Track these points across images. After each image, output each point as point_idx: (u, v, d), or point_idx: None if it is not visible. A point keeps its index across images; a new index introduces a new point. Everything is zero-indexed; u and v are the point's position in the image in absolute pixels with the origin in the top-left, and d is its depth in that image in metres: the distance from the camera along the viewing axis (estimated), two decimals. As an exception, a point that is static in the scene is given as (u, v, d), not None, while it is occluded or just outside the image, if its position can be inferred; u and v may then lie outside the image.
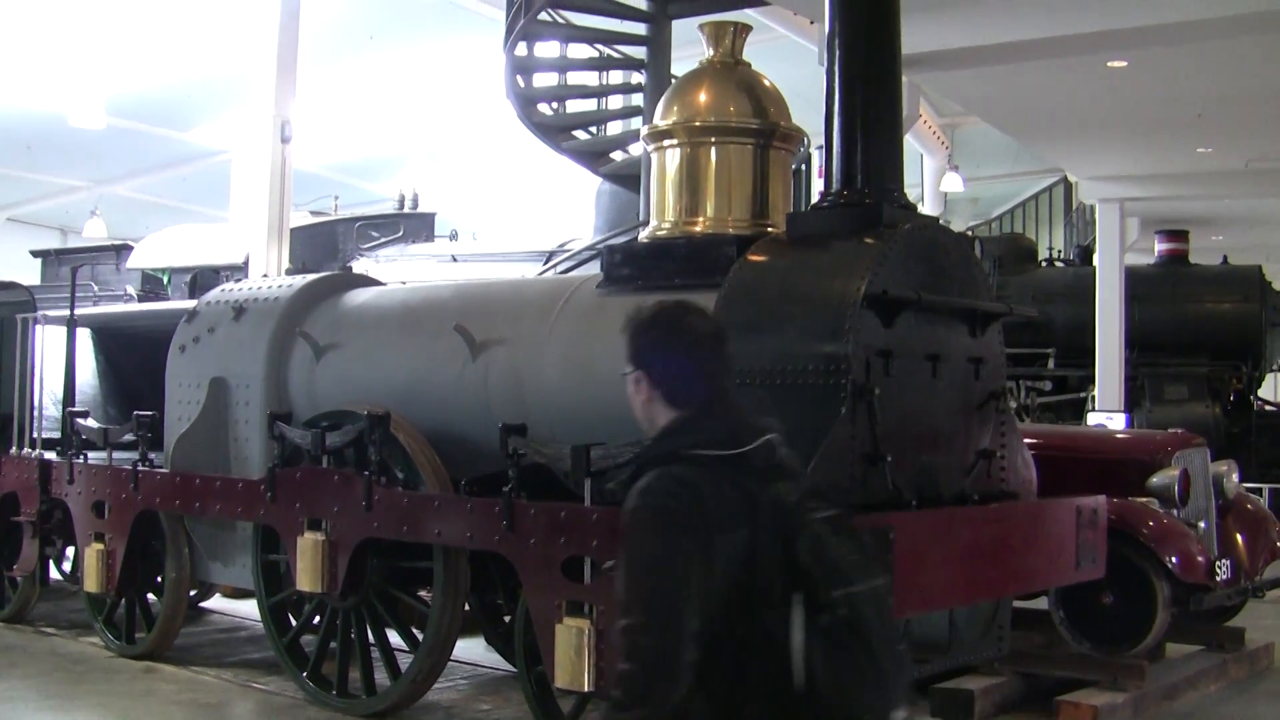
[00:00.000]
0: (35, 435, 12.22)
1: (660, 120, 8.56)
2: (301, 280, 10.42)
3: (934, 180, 27.73)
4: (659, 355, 3.97)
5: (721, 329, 4.07)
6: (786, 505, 3.57)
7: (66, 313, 12.62)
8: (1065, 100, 16.68)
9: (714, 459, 3.66)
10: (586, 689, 7.45)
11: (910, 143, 23.33)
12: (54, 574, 12.45)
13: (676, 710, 3.40)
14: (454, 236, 18.47)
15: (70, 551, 12.32)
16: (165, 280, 16.67)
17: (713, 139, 8.35)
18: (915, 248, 7.66)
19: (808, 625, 3.42)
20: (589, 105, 15.92)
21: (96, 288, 16.51)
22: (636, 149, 13.86)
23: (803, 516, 3.56)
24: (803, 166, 13.22)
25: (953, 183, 27.30)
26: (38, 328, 12.54)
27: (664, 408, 3.99)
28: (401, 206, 18.96)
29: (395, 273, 13.49)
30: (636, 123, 14.74)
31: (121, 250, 17.79)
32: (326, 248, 17.06)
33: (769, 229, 8.22)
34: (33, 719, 8.95)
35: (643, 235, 8.69)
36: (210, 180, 28.35)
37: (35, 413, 12.41)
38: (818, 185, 11.05)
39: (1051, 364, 20.12)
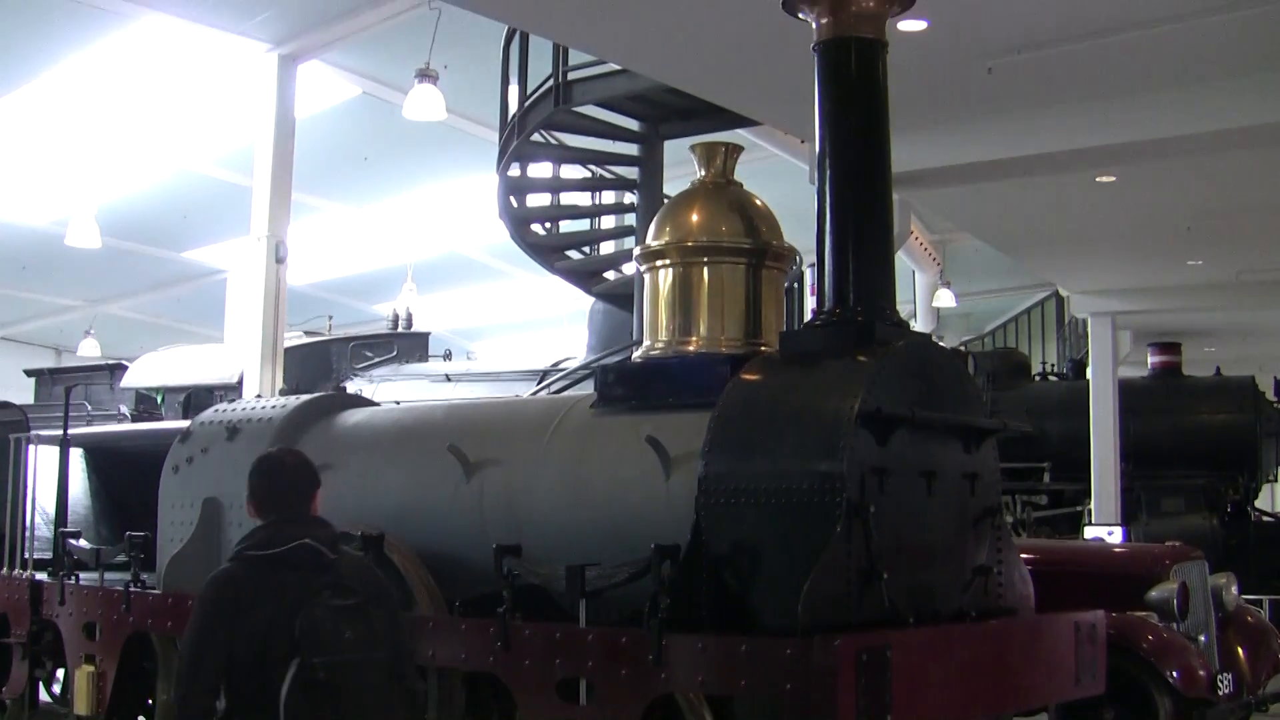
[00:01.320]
0: (27, 555, 12.16)
1: (653, 240, 8.61)
2: (295, 401, 10.42)
3: (926, 296, 27.83)
4: (253, 483, 5.27)
5: (300, 466, 5.37)
6: (297, 592, 4.59)
7: (60, 432, 12.61)
8: (1055, 215, 16.81)
9: (255, 558, 4.84)
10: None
11: (902, 259, 23.46)
12: (44, 696, 12.32)
13: None
14: (448, 356, 18.49)
15: (60, 673, 12.21)
16: (159, 400, 16.67)
17: (705, 259, 8.39)
18: (908, 365, 7.66)
19: (295, 683, 4.42)
20: (582, 225, 16.03)
21: (90, 407, 16.51)
22: (629, 268, 13.93)
23: (310, 601, 4.57)
24: (795, 284, 13.28)
25: (945, 299, 27.41)
26: (31, 447, 12.53)
27: (255, 520, 5.34)
28: (395, 326, 19.03)
29: (389, 393, 13.52)
30: (629, 242, 14.83)
31: (115, 369, 17.82)
32: (321, 367, 17.07)
33: (762, 347, 8.24)
34: None
35: (636, 355, 8.71)
36: (205, 299, 28.48)
37: (27, 533, 12.37)
38: (811, 303, 11.11)
39: (1047, 478, 20.08)
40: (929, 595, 7.59)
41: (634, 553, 7.39)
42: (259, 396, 13.59)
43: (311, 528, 4.97)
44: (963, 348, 24.02)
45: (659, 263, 8.52)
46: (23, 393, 18.31)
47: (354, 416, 10.14)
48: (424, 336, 18.63)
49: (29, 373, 20.02)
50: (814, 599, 6.73)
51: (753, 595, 7.14)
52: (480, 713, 9.30)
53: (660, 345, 8.44)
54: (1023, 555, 8.56)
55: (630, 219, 15.02)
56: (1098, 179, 14.85)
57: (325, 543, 4.98)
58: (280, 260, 17.09)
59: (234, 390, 15.63)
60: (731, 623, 7.09)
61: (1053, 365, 25.56)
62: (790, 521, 7.07)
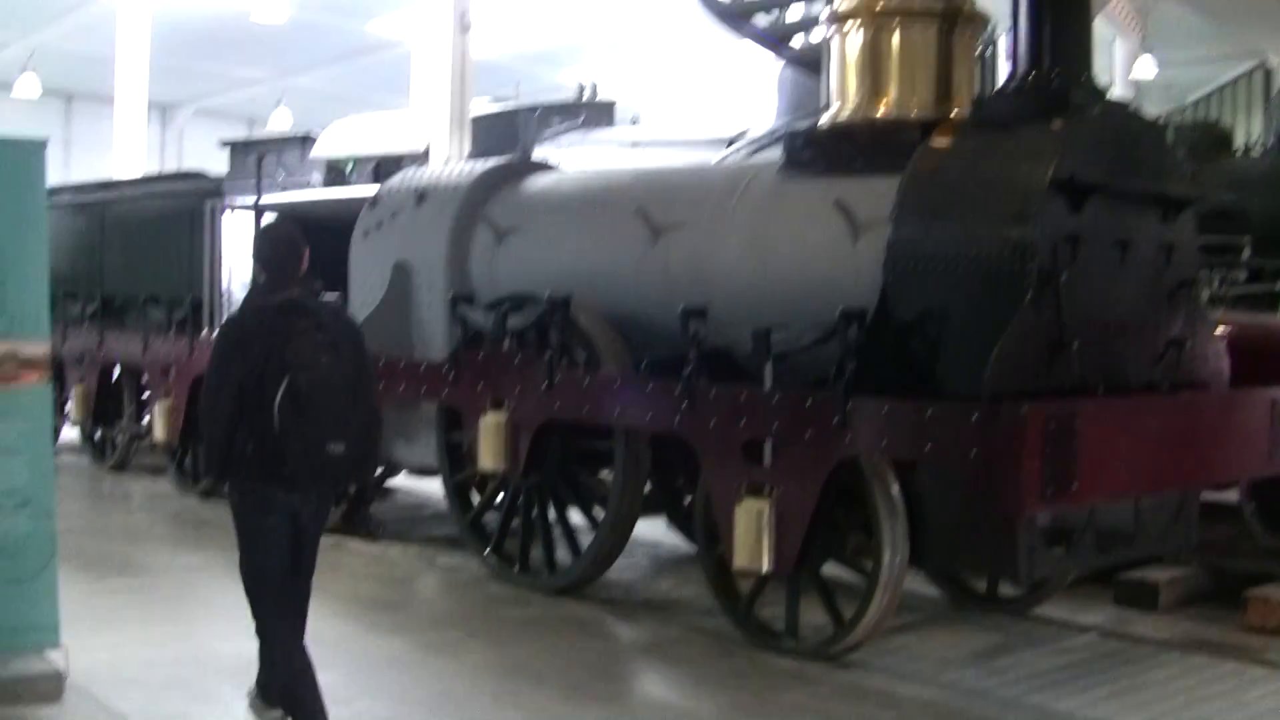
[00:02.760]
0: (222, 319, 12.50)
1: (843, 2, 8.41)
2: (483, 166, 10.48)
3: (1125, 65, 26.85)
4: (255, 249, 6.45)
5: (290, 236, 6.34)
6: (285, 332, 5.91)
7: (253, 200, 12.85)
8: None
9: (256, 307, 6.15)
10: (765, 569, 7.51)
11: (1100, 26, 22.63)
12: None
13: (228, 448, 6.01)
14: (635, 122, 18.33)
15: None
16: (349, 169, 16.84)
17: (896, 21, 8.17)
18: (1104, 132, 7.47)
19: (284, 393, 5.80)
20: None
21: (283, 176, 16.75)
22: (819, 34, 13.65)
23: (293, 334, 5.91)
24: (987, 52, 12.91)
25: (1145, 68, 26.43)
26: (225, 215, 12.78)
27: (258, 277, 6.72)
28: (582, 95, 18.84)
29: (576, 159, 13.48)
30: (819, 6, 14.48)
31: (306, 140, 17.95)
32: (507, 136, 17.02)
33: (953, 113, 8.05)
34: (228, 588, 9.20)
35: (824, 119, 8.57)
36: (391, 71, 28.45)
37: (223, 298, 12.69)
38: (1003, 73, 10.79)
39: (1247, 254, 19.49)
40: (1119, 366, 7.50)
41: (820, 317, 7.40)
42: (446, 162, 13.68)
43: (298, 284, 6.22)
44: (1161, 120, 23.25)
45: (848, 25, 8.32)
46: (219, 163, 18.60)
47: (540, 181, 10.20)
48: (611, 104, 18.40)
49: (224, 143, 20.33)
50: (1001, 366, 6.70)
51: (939, 361, 7.12)
52: (665, 474, 9.49)
53: (849, 110, 8.28)
54: (1219, 330, 8.39)
55: (821, -19, 14.63)
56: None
57: (308, 295, 6.26)
58: (465, 29, 17.02)
59: (422, 159, 15.74)
60: (917, 388, 7.10)
61: (1258, 139, 24.64)
62: (979, 288, 7.01)
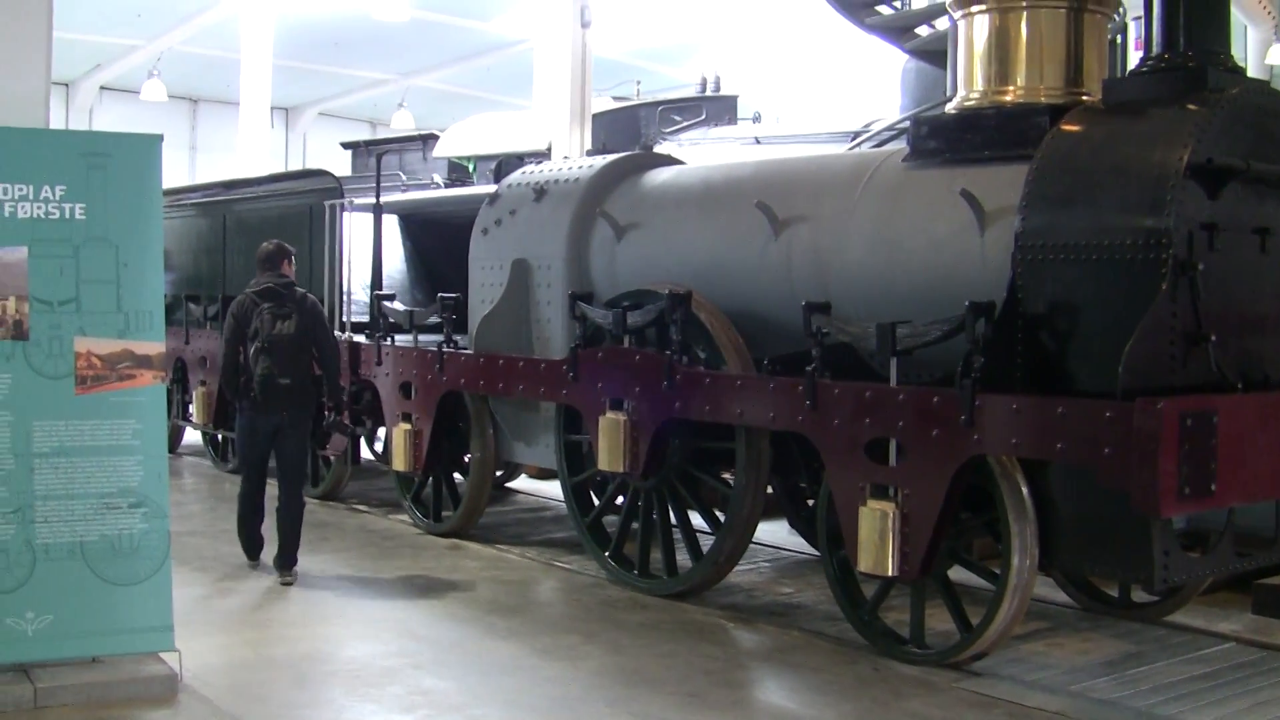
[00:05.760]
0: (344, 319, 12.52)
1: (968, -14, 8.16)
2: (601, 161, 10.36)
3: (1259, 52, 26.24)
4: (257, 254, 9.95)
5: (275, 248, 9.86)
6: (251, 305, 9.50)
7: (374, 200, 12.85)
8: None
9: (249, 294, 9.62)
10: (890, 574, 7.29)
11: (1233, 14, 22.12)
12: (364, 454, 12.77)
13: (235, 380, 9.62)
14: (757, 119, 18.16)
15: (380, 432, 12.62)
16: (470, 168, 16.84)
17: (1024, 4, 7.91)
18: (1243, 114, 7.13)
19: (255, 349, 9.41)
20: (893, -23, 15.41)
21: (404, 177, 16.79)
22: (943, 24, 13.39)
23: (257, 310, 9.48)
24: (1118, 38, 12.57)
25: (1278, 56, 25.81)
26: (346, 214, 12.80)
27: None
28: (703, 90, 18.69)
29: (698, 156, 13.33)
30: (943, -4, 14.22)
31: (427, 140, 18.02)
32: (628, 132, 16.97)
33: (1083, 97, 7.77)
34: (343, 591, 9.19)
35: (950, 106, 8.33)
36: (512, 69, 28.59)
37: (344, 297, 12.71)
38: (1134, 62, 10.48)
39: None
40: (1259, 361, 7.18)
41: (946, 311, 7.18)
42: (565, 158, 13.59)
43: (276, 279, 9.68)
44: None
45: (975, 9, 8.06)
46: (340, 165, 18.72)
47: (660, 175, 10.04)
48: (732, 100, 18.28)
49: (345, 145, 20.45)
50: (1136, 361, 6.42)
51: (1070, 356, 6.87)
52: (787, 472, 9.31)
53: (975, 96, 8.03)
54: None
55: (944, -31, 14.35)
56: None
57: (282, 286, 9.66)
58: (586, 25, 16.97)
59: (544, 157, 15.69)
60: (1047, 384, 6.86)
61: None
62: (1112, 279, 6.74)
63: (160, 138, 7.25)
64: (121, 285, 6.94)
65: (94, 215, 6.92)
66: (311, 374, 9.71)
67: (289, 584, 9.33)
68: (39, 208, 6.84)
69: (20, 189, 6.82)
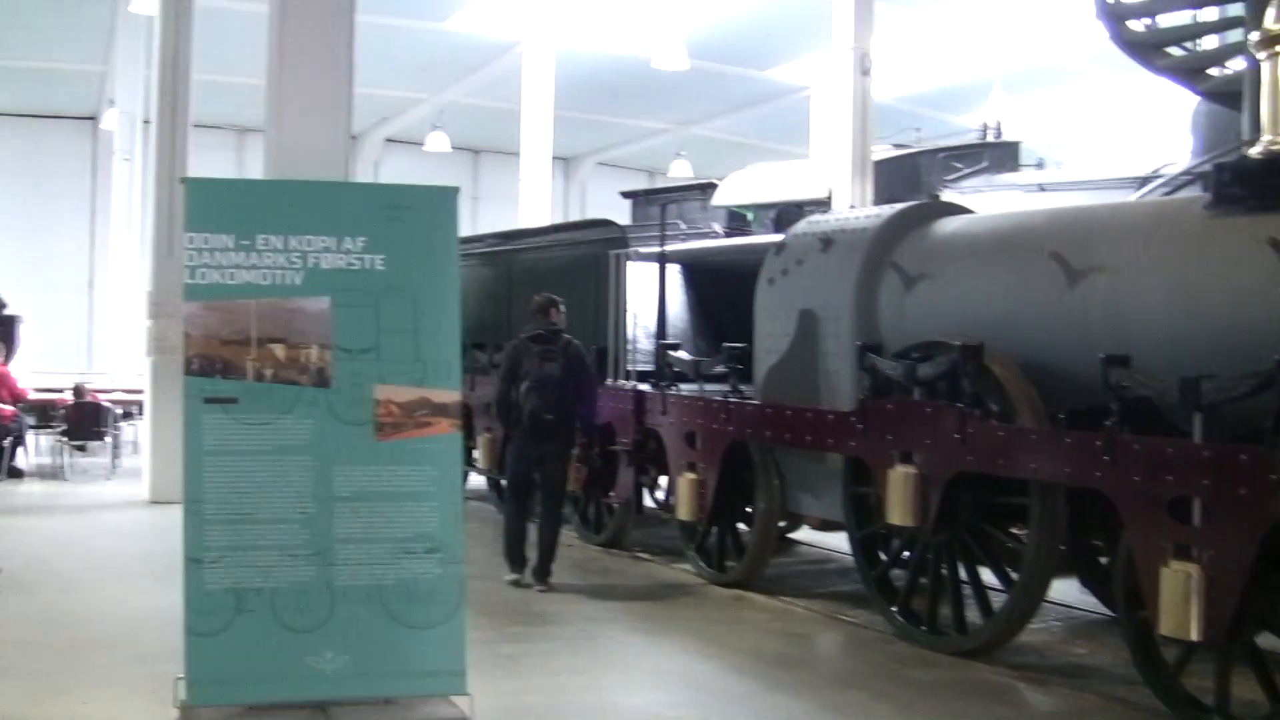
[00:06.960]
0: (629, 367, 12.62)
1: (1273, 23, 7.85)
2: (890, 210, 10.25)
3: None
4: (531, 306, 11.37)
5: (550, 301, 11.22)
6: (524, 349, 10.97)
7: (657, 249, 12.95)
8: None
9: (523, 337, 11.07)
10: (1194, 638, 6.99)
11: None
12: (647, 501, 12.86)
13: (508, 413, 11.13)
14: (1040, 165, 17.82)
15: (663, 480, 12.69)
16: (750, 217, 16.87)
17: (1336, 43, 7.60)
18: None
19: (527, 387, 10.86)
20: (1184, 18, 14.97)
21: (684, 225, 16.89)
22: (1236, 64, 12.95)
23: (530, 353, 10.93)
24: None
25: None
26: (630, 264, 12.92)
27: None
28: (984, 136, 18.43)
29: (981, 204, 13.11)
30: (1236, 35, 13.74)
31: (706, 188, 18.10)
32: (909, 180, 16.79)
33: (1404, 140, 7.42)
34: (628, 640, 9.22)
35: (1255, 150, 8.01)
36: (789, 117, 28.61)
37: (629, 345, 12.82)
38: None
39: None
40: None
41: (1252, 365, 6.87)
42: (852, 207, 13.50)
43: (546, 325, 11.03)
44: None
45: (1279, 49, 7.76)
46: (619, 214, 18.93)
47: (949, 225, 9.89)
48: (1015, 146, 17.96)
49: (625, 194, 20.67)
50: None
51: (1392, 413, 6.52)
52: (1084, 530, 9.04)
53: (1282, 141, 7.72)
54: None
55: (1235, 9, 13.88)
56: None
57: (550, 334, 10.99)
58: (865, 72, 16.89)
59: (824, 206, 15.62)
60: (1366, 442, 6.52)
61: None
62: None
63: (456, 190, 7.42)
64: (419, 334, 7.10)
65: (393, 266, 7.11)
66: (573, 410, 11.15)
67: (545, 592, 10.76)
68: (341, 259, 7.06)
69: (324, 241, 7.05)
